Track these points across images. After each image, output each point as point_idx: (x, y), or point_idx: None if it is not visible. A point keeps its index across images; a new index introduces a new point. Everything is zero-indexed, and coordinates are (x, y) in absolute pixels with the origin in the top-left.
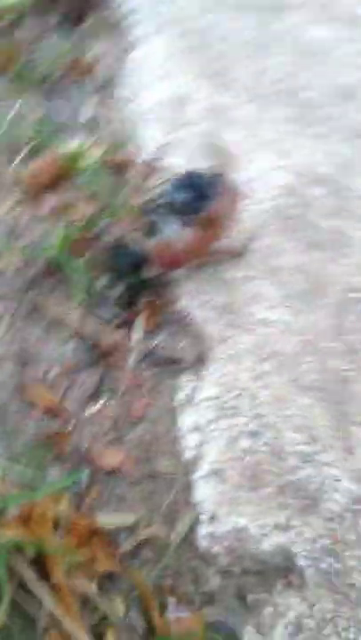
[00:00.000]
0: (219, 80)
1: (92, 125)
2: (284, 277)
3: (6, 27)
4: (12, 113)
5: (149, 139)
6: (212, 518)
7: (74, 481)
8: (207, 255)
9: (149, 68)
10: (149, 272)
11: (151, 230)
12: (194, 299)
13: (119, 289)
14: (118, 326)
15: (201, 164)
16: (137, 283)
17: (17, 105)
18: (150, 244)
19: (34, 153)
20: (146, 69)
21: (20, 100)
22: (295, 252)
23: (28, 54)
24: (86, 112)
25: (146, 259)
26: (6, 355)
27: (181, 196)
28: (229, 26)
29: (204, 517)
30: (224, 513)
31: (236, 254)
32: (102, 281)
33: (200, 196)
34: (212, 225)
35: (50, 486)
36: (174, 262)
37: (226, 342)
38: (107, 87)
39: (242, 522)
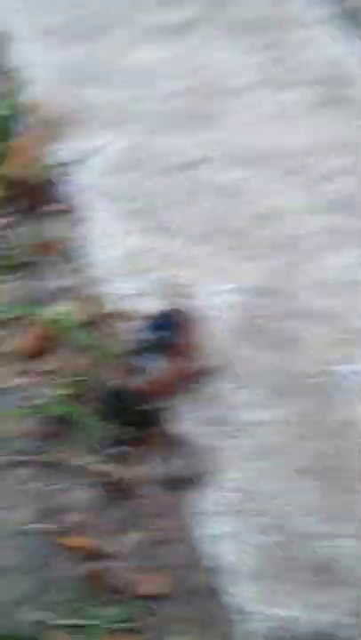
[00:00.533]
0: (163, 231)
1: (66, 292)
2: (260, 381)
3: None
4: None
5: (118, 291)
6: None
7: (128, 615)
8: (192, 378)
9: (104, 233)
10: (147, 406)
11: (138, 370)
12: (190, 418)
13: (124, 427)
14: (131, 461)
15: (165, 303)
16: (138, 418)
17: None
18: (141, 383)
19: (23, 325)
20: (102, 236)
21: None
22: (263, 357)
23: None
24: (58, 282)
25: (140, 396)
26: (36, 512)
27: (155, 335)
28: (163, 185)
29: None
30: (268, 610)
31: (216, 369)
32: (109, 423)
33: (171, 330)
34: (184, 353)
35: (105, 625)
36: (165, 392)
37: (226, 450)
38: (72, 259)
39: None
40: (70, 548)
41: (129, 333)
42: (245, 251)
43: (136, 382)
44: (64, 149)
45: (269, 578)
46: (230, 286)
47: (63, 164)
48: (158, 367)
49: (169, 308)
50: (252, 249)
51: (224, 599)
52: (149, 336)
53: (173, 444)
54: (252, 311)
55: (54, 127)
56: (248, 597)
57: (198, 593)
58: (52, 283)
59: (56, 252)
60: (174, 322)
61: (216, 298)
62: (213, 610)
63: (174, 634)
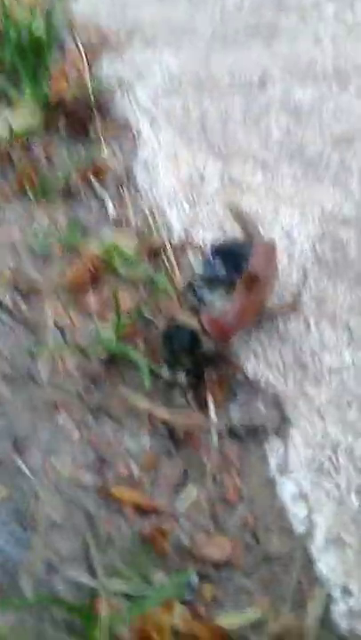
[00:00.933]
0: (227, 154)
1: (119, 220)
2: (342, 321)
3: (20, 148)
4: (42, 225)
5: (175, 221)
6: (346, 592)
7: (184, 583)
8: (259, 316)
9: (161, 158)
10: (206, 347)
11: (198, 307)
12: (260, 360)
13: (181, 371)
14: (190, 408)
15: (229, 234)
16: (197, 360)
17: (45, 217)
18: (200, 320)
19: (69, 257)
20: (158, 160)
21: (48, 212)
22: (346, 294)
23: (45, 169)
24: (111, 210)
25: (199, 335)
26: (84, 461)
27: (218, 267)
28: (225, 105)
29: (336, 593)
30: (356, 583)
31: (290, 308)
32: (164, 366)
33: (236, 263)
34: (254, 285)
35: (159, 593)
36: (227, 332)
37: (305, 397)
38: (125, 184)
39: None
40: (122, 503)
41: (188, 266)
42: (321, 176)
43: (196, 320)
44: (114, 69)
45: (354, 546)
46: (304, 215)
47: (113, 84)
48: (220, 303)
49: (234, 238)
50: (329, 174)
51: (299, 569)
52: (212, 269)
53: (241, 391)
54: (331, 242)
55: (101, 46)
56: (328, 568)
57: (268, 561)
58: (102, 211)
59: (105, 178)
60: (241, 253)
61: (288, 227)
62: (286, 581)
63: (240, 606)
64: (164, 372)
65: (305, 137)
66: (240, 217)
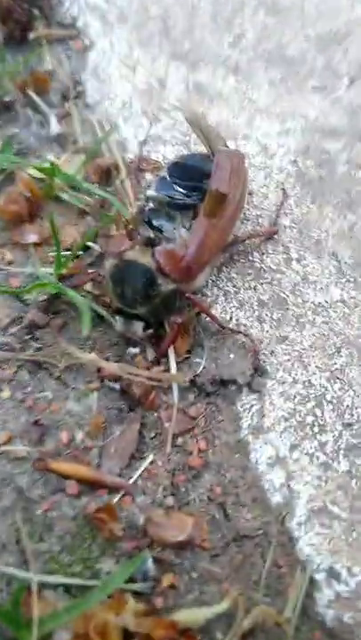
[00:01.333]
0: (193, 57)
1: (64, 138)
2: (328, 249)
3: None
4: None
5: (131, 136)
6: (332, 575)
7: (135, 571)
8: (229, 247)
9: (114, 64)
10: (164, 288)
11: (155, 239)
12: (231, 301)
13: (135, 318)
14: (146, 361)
15: (191, 149)
16: (153, 305)
17: None
18: (154, 255)
19: (2, 182)
20: (111, 66)
21: None
22: (333, 218)
23: None
24: (54, 126)
25: (155, 274)
26: (17, 428)
27: (176, 188)
28: (189, 3)
29: (320, 577)
30: (345, 564)
31: (266, 236)
32: (113, 314)
33: (198, 182)
34: (219, 207)
35: (105, 586)
36: (189, 268)
37: (284, 342)
38: (71, 96)
39: None
40: (64, 478)
41: (145, 189)
42: (303, 81)
43: (152, 255)
44: None
45: (343, 518)
46: (284, 126)
47: None
48: (182, 231)
49: (197, 154)
50: (312, 79)
51: (275, 549)
52: (168, 189)
53: (207, 337)
54: (314, 157)
55: None
56: (311, 547)
57: (239, 540)
58: (43, 128)
59: (48, 89)
60: (203, 169)
61: (266, 140)
62: (260, 564)
63: (205, 597)
64: (115, 322)
65: (284, 37)
66: (200, 125)
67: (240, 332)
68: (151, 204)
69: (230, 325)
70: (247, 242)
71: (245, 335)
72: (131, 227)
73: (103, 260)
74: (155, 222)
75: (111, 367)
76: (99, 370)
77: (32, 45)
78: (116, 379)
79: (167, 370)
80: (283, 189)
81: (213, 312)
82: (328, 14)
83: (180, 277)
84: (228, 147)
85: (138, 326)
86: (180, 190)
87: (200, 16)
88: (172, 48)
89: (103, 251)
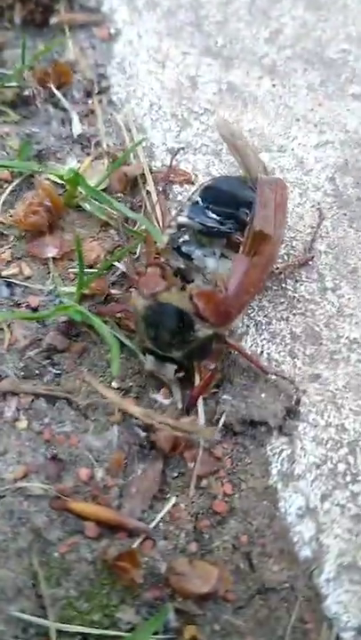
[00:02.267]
0: (226, 54)
1: (87, 139)
2: None
3: None
4: None
5: (159, 141)
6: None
7: (159, 622)
8: (270, 279)
9: (142, 57)
10: (203, 333)
11: (187, 271)
12: (262, 333)
13: (168, 362)
14: (172, 398)
15: (226, 162)
16: (189, 350)
17: None
18: (195, 299)
19: (20, 187)
20: (138, 59)
21: None
22: None
23: None
24: (76, 126)
25: (194, 318)
26: (34, 462)
27: (209, 214)
28: None
29: (347, 636)
30: None
31: (303, 262)
32: (143, 350)
33: (231, 208)
34: (262, 247)
35: (129, 637)
36: (228, 314)
37: (317, 380)
38: (96, 90)
39: None
40: (83, 519)
41: (175, 208)
42: (344, 86)
43: (187, 297)
44: None
45: None
46: (322, 137)
47: None
48: (217, 265)
49: (232, 177)
50: (354, 83)
51: (302, 604)
52: (203, 218)
53: (237, 374)
54: (353, 174)
55: None
56: (339, 603)
57: (265, 593)
58: (65, 127)
59: (70, 83)
60: (237, 194)
61: (302, 153)
62: (285, 619)
63: None
64: (144, 359)
65: (325, 34)
66: (236, 145)
67: (285, 378)
68: (184, 234)
69: (261, 360)
70: (282, 270)
71: (291, 382)
72: (163, 260)
73: (132, 294)
74: (184, 249)
75: (135, 411)
76: (121, 406)
77: (53, 30)
78: (138, 417)
79: (194, 411)
80: (319, 210)
81: (243, 344)
82: None
83: (219, 322)
84: (267, 172)
85: (170, 369)
86: (214, 217)
87: (235, 5)
88: (204, 42)
89: (129, 270)
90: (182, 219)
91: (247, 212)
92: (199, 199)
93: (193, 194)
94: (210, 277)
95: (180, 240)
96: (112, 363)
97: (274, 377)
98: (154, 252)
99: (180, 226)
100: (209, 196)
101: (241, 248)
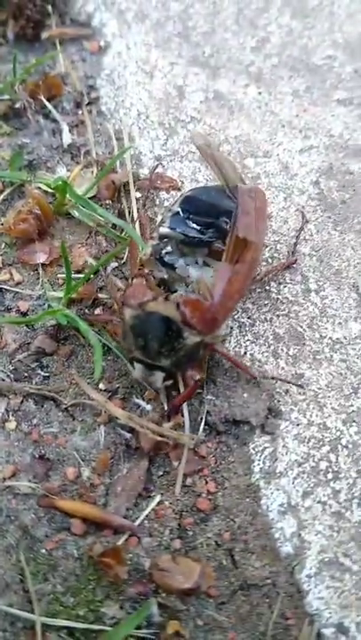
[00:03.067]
0: (214, 63)
1: (77, 148)
2: (349, 280)
3: None
4: None
5: (147, 149)
6: (341, 631)
7: (142, 617)
8: (254, 283)
9: (131, 68)
10: (191, 340)
11: (170, 281)
12: (246, 332)
13: (155, 367)
14: (157, 400)
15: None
16: (179, 357)
17: None
18: (182, 307)
19: (13, 195)
20: (128, 70)
21: None
22: (356, 246)
23: None
24: (66, 136)
25: (182, 326)
26: (22, 461)
27: (190, 224)
28: (212, 1)
29: (328, 632)
30: (355, 620)
31: (286, 266)
32: (131, 359)
33: (211, 217)
34: (244, 254)
35: (112, 635)
36: (214, 320)
37: (299, 380)
38: (85, 101)
39: None
40: (69, 516)
41: (160, 216)
42: (330, 92)
43: (177, 307)
44: None
45: (355, 571)
46: (307, 142)
47: None
48: (199, 273)
49: (211, 187)
50: (340, 89)
51: (283, 600)
52: (184, 228)
53: (220, 374)
54: (338, 178)
55: None
56: (320, 600)
57: (247, 589)
58: (55, 138)
59: (60, 95)
60: (216, 203)
61: (287, 158)
62: (267, 615)
63: None
64: (132, 368)
65: (311, 41)
66: (213, 157)
67: (273, 378)
68: (167, 245)
69: (244, 361)
70: (269, 274)
71: (285, 381)
72: (146, 271)
73: (120, 308)
74: (167, 259)
75: (119, 414)
76: (106, 407)
77: (44, 45)
78: (124, 420)
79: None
80: (302, 213)
81: (226, 345)
82: (359, 16)
83: (206, 329)
84: (244, 181)
85: (158, 377)
86: (195, 227)
87: (222, 15)
88: (192, 52)
89: (120, 298)
90: (164, 229)
91: (227, 220)
92: (179, 210)
93: (173, 205)
94: (193, 286)
95: (163, 251)
96: (95, 365)
97: (263, 380)
98: (138, 264)
99: (161, 237)
100: (189, 206)
101: (224, 256)
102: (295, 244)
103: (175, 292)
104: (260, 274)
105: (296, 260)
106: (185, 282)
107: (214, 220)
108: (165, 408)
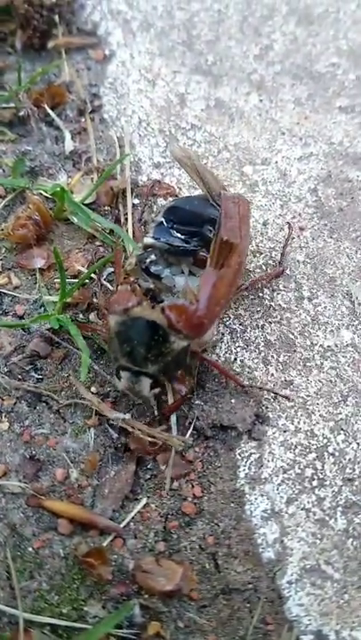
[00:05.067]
0: (216, 71)
1: (79, 155)
2: (343, 288)
3: None
4: None
5: (146, 156)
6: (319, 638)
7: (123, 617)
8: (238, 291)
9: (134, 76)
10: (178, 345)
11: (156, 291)
12: (237, 338)
13: (142, 374)
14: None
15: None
16: (165, 362)
17: None
18: (167, 312)
19: (12, 201)
20: (130, 78)
21: None
22: (351, 254)
23: None
24: (69, 143)
25: (168, 331)
26: (13, 461)
27: (175, 234)
28: (219, 6)
29: (307, 639)
30: (334, 627)
31: (273, 277)
32: (117, 368)
33: (197, 227)
34: (228, 257)
35: (92, 633)
36: (201, 325)
37: (288, 387)
38: (88, 109)
39: None
40: (57, 516)
41: (150, 223)
42: (331, 100)
43: (162, 312)
44: None
45: (336, 580)
46: (306, 150)
47: None
48: (184, 281)
49: (194, 197)
50: (342, 97)
51: (264, 605)
52: (169, 238)
53: (209, 379)
54: (336, 186)
55: None
56: (300, 607)
57: (228, 593)
58: (58, 145)
59: (64, 103)
60: (199, 213)
61: (285, 165)
62: (247, 619)
63: None
64: (117, 380)
65: (315, 49)
66: (195, 167)
67: (261, 389)
68: (151, 255)
69: (233, 367)
70: (259, 279)
71: (272, 392)
72: (132, 279)
73: (106, 316)
74: (153, 269)
75: (111, 415)
76: (97, 408)
77: (51, 54)
78: (114, 420)
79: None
80: (288, 223)
81: (217, 351)
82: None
83: (192, 333)
84: (226, 189)
85: (145, 384)
86: (179, 236)
87: (227, 24)
88: (195, 60)
89: (105, 305)
90: (148, 240)
91: (211, 228)
92: (163, 220)
93: (157, 215)
94: (180, 296)
95: (148, 261)
96: (82, 368)
97: (251, 389)
98: (123, 274)
99: (146, 247)
100: (173, 216)
101: (208, 260)
102: (282, 254)
103: (162, 301)
104: (246, 284)
105: (283, 271)
106: (171, 292)
107: (198, 229)
108: (155, 413)
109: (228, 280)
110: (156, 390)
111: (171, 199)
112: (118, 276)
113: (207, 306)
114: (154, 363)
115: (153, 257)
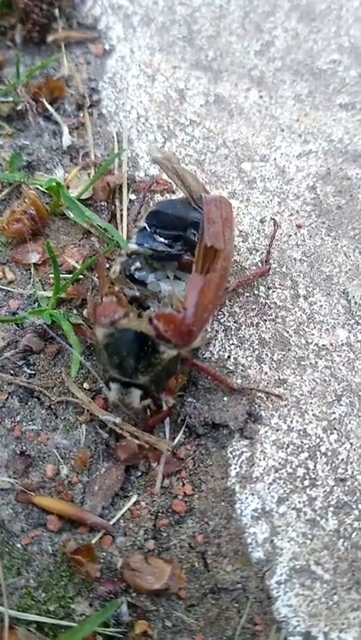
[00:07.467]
0: (217, 66)
1: (76, 150)
2: (339, 286)
3: None
4: None
5: (144, 152)
6: (309, 639)
7: (110, 615)
8: (227, 294)
9: (134, 71)
10: (168, 354)
11: (142, 298)
12: (231, 336)
13: (132, 384)
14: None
15: (208, 171)
16: (156, 372)
17: None
18: (155, 322)
19: (11, 195)
20: (130, 73)
21: None
22: (348, 253)
23: None
24: (66, 138)
25: (157, 341)
26: (3, 457)
27: (158, 239)
28: (218, 4)
29: None
30: (323, 629)
31: (258, 276)
32: (106, 380)
33: (180, 231)
34: (213, 262)
35: (79, 630)
36: (189, 332)
37: (282, 385)
38: (87, 104)
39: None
40: (46, 512)
41: (137, 224)
42: (332, 97)
43: (150, 322)
44: None
45: (326, 580)
46: (306, 147)
47: None
48: (168, 287)
49: (176, 200)
50: (342, 94)
51: (252, 605)
52: (152, 243)
53: (202, 377)
54: (335, 183)
55: None
56: (289, 607)
57: (217, 592)
58: (55, 139)
59: (62, 97)
60: (181, 216)
61: (284, 162)
62: (235, 619)
63: None
64: (107, 391)
65: (317, 45)
66: (175, 170)
67: (252, 389)
68: (136, 261)
69: (226, 365)
70: (251, 278)
71: (264, 392)
72: (117, 288)
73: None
74: (137, 275)
75: (102, 416)
76: (89, 406)
77: (51, 48)
78: (105, 418)
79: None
80: (274, 220)
81: (210, 349)
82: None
83: (182, 342)
84: (208, 191)
85: (135, 395)
86: (163, 241)
87: (228, 19)
88: (195, 56)
89: (93, 315)
90: (132, 246)
91: (195, 232)
92: (145, 225)
93: (139, 220)
94: (166, 301)
95: (133, 267)
96: (72, 364)
97: (242, 390)
98: (108, 282)
99: (129, 253)
100: (155, 220)
101: (194, 266)
102: (268, 253)
103: (148, 308)
104: (232, 285)
105: (269, 270)
106: (157, 298)
107: (181, 233)
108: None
109: (215, 285)
110: (147, 402)
111: (150, 206)
112: (102, 286)
113: (195, 313)
114: (144, 373)
115: (138, 264)
